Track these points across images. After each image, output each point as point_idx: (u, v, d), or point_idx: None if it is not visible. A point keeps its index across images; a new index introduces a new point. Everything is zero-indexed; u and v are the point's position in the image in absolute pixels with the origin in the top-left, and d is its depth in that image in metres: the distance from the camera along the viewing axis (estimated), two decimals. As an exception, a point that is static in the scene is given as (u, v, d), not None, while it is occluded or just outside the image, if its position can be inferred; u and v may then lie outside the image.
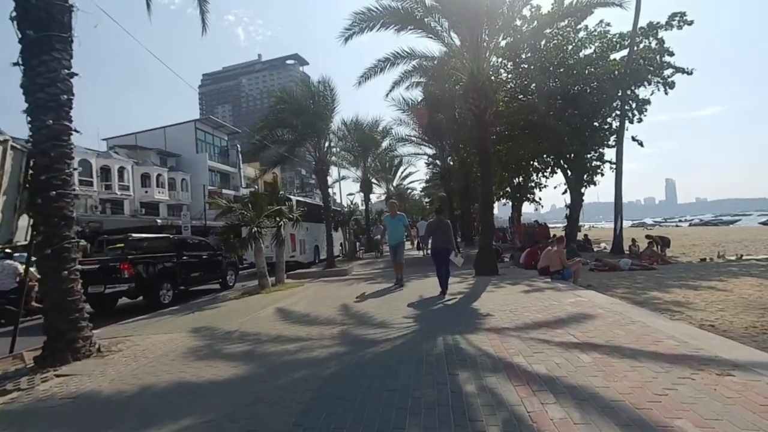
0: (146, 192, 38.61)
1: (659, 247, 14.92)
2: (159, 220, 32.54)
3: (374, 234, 21.17)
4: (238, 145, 50.56)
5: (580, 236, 21.59)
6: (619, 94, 16.54)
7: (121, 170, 36.13)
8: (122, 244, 16.86)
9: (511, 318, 4.85)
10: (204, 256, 11.08)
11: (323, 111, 14.46)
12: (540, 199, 29.92)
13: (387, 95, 14.52)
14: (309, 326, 5.20)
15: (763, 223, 51.36)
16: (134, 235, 18.17)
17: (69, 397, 3.21)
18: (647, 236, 15.30)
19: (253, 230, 8.70)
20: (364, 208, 28.19)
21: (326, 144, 15.65)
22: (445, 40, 10.29)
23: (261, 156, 19.08)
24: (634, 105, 16.82)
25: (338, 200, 40.22)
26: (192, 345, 4.65)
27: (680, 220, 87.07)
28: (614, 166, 16.87)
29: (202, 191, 37.57)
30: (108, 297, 8.74)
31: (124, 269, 8.54)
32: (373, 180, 32.58)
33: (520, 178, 27.14)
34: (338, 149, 18.78)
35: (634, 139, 16.25)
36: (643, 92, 17.11)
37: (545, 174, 23.53)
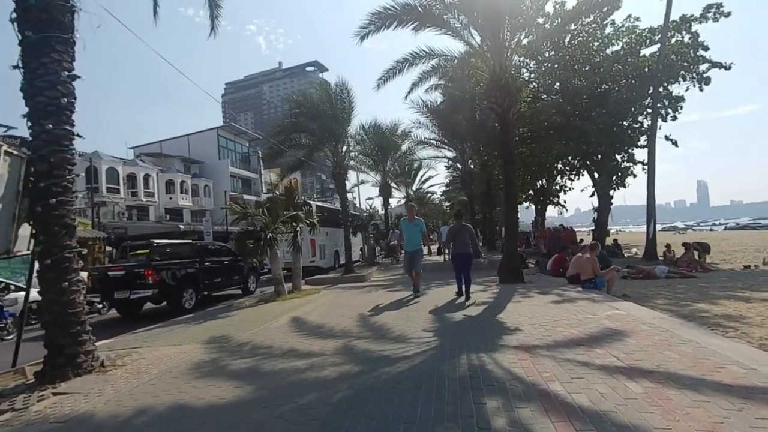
0: (170, 198, 39.50)
1: (697, 253, 13.95)
2: (182, 226, 33.16)
3: (390, 239, 20.79)
4: (259, 152, 51.33)
5: (608, 241, 20.61)
6: (650, 91, 15.69)
7: (146, 177, 37.10)
8: (146, 250, 17.08)
9: (542, 334, 4.39)
10: (225, 262, 11.06)
11: (341, 115, 14.25)
12: (565, 202, 28.77)
13: (406, 97, 14.23)
14: (322, 339, 4.87)
15: (809, 227, 48.14)
16: (157, 241, 18.39)
17: (60, 421, 2.98)
18: (684, 244, 14.34)
19: (269, 236, 8.49)
20: (383, 212, 27.89)
21: (344, 148, 15.43)
22: (464, 37, 9.89)
23: (279, 161, 19.07)
24: (667, 103, 15.91)
25: (358, 205, 40.16)
26: (198, 359, 4.40)
27: (714, 224, 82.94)
28: (646, 166, 16.01)
29: (224, 197, 38.20)
30: (133, 302, 8.95)
31: (148, 275, 8.64)
32: (393, 184, 32.27)
33: (544, 181, 26.26)
34: (356, 153, 18.54)
35: (667, 138, 15.34)
36: (676, 89, 16.20)
37: (570, 176, 22.64)
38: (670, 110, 15.38)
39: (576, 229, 25.91)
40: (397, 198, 36.13)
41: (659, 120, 15.47)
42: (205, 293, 10.30)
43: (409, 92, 13.71)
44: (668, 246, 15.70)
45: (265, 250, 8.66)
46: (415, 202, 42.62)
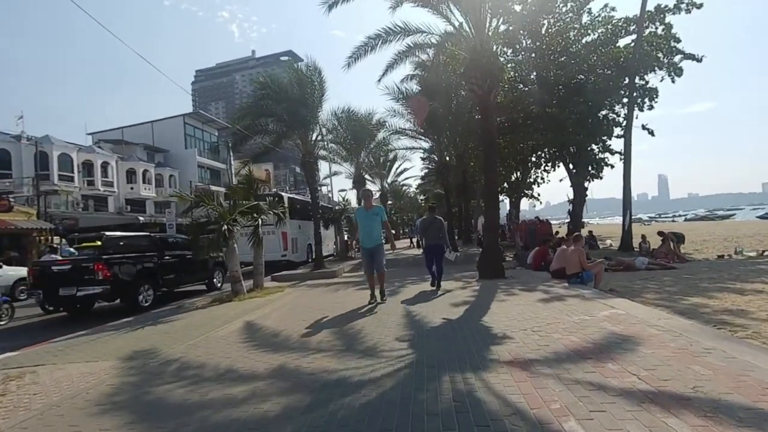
0: (132, 188, 37.12)
1: (673, 243, 13.85)
2: (141, 218, 31.10)
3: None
4: (229, 141, 49.16)
5: (584, 233, 20.54)
6: (625, 81, 15.44)
7: (105, 165, 34.59)
8: (98, 242, 15.49)
9: (537, 342, 3.67)
10: (188, 256, 10.03)
11: (310, 98, 13.18)
12: (539, 195, 28.72)
13: (380, 80, 13.29)
14: (272, 353, 3.98)
15: (761, 217, 50.69)
16: (110, 233, 16.77)
17: None
18: (659, 233, 14.21)
19: (224, 228, 7.44)
20: (357, 205, 27.03)
21: (314, 136, 14.38)
22: (444, 12, 9.09)
23: (245, 148, 17.83)
24: (642, 93, 15.71)
25: (333, 198, 39.00)
26: (107, 385, 3.42)
27: (675, 215, 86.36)
28: (623, 156, 15.77)
29: (190, 188, 36.21)
30: (81, 300, 7.99)
31: (99, 270, 7.76)
32: (367, 176, 31.36)
33: (518, 174, 26.04)
34: (328, 142, 17.51)
35: (644, 127, 15.16)
36: (651, 80, 16.04)
37: (546, 168, 22.39)
38: (647, 100, 15.16)
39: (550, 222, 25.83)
40: (372, 190, 35.33)
41: (635, 110, 15.25)
42: (165, 289, 9.49)
43: (384, 74, 12.80)
44: (643, 237, 15.61)
45: (221, 244, 7.63)
46: (390, 195, 41.98)
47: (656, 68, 15.88)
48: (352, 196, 28.92)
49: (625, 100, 16.11)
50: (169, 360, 4.00)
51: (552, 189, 25.79)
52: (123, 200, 36.42)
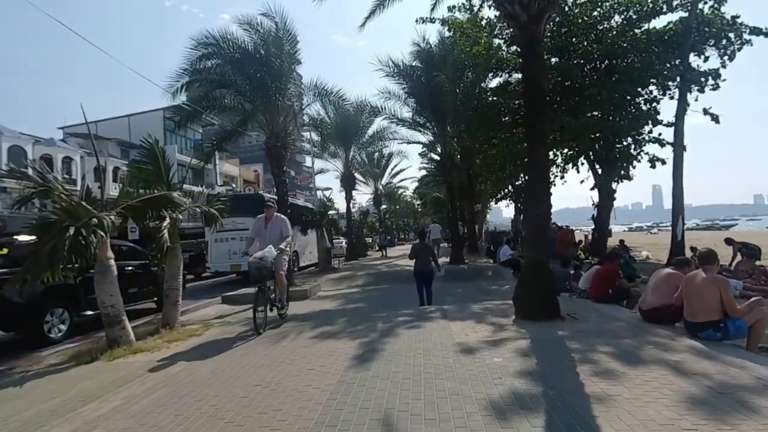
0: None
1: (744, 257, 10.65)
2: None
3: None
4: (214, 140, 45.81)
5: (611, 243, 17.38)
6: (677, 62, 12.36)
7: (67, 161, 31.14)
8: (4, 250, 11.86)
9: None
10: (129, 268, 7.87)
11: (275, 63, 9.94)
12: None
13: (363, 25, 10.09)
14: None
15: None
16: (25, 237, 13.22)
17: None
18: (727, 240, 11.01)
19: (71, 234, 4.14)
20: (346, 208, 23.74)
21: (283, 117, 11.07)
22: None
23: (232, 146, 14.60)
24: (699, 73, 12.56)
25: (321, 199, 35.69)
26: None
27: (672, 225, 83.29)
28: (664, 150, 12.67)
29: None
30: None
31: None
32: (358, 176, 28.10)
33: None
34: (300, 126, 14.27)
35: (706, 112, 11.99)
36: (696, 63, 12.95)
37: (566, 168, 19.11)
38: (710, 78, 11.94)
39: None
40: (364, 192, 31.99)
41: (695, 92, 12.12)
42: (90, 313, 6.88)
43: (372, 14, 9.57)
44: (694, 249, 12.43)
45: (74, 258, 4.34)
46: (384, 198, 38.64)
47: (709, 47, 12.74)
48: (341, 199, 25.66)
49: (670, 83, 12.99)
50: None
51: (562, 193, 22.71)
52: (89, 200, 32.89)
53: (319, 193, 25.14)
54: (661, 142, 12.24)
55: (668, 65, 12.69)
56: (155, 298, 8.95)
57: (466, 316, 5.48)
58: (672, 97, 12.73)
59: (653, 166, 12.21)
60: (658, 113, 12.96)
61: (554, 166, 20.34)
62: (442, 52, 14.13)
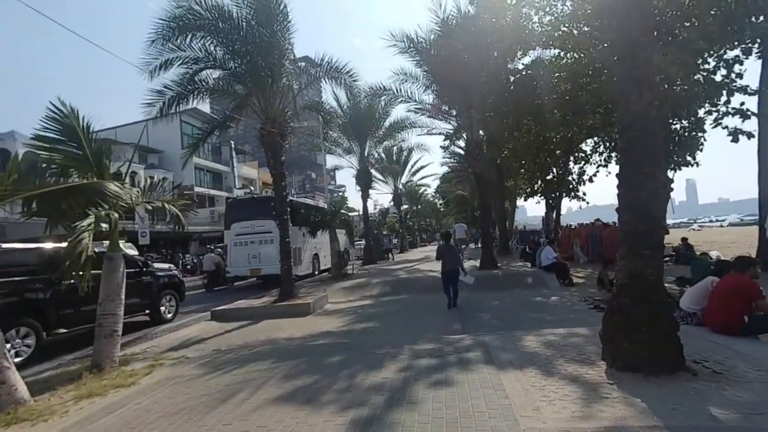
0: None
1: None
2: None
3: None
4: (232, 142, 45.28)
5: (668, 240, 14.94)
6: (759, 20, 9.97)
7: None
8: None
9: None
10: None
11: (265, 32, 8.28)
12: (584, 194, 22.34)
13: None
14: None
15: None
16: (5, 245, 12.07)
17: None
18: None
19: None
20: (363, 207, 22.01)
21: (281, 97, 9.43)
22: None
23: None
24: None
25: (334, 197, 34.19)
26: None
27: (711, 220, 77.86)
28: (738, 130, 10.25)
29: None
30: None
31: None
32: (377, 174, 26.35)
33: (557, 170, 20.52)
34: (299, 110, 12.60)
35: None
36: None
37: (606, 159, 16.75)
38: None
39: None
40: (383, 191, 30.20)
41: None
42: (63, 330, 6.29)
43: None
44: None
45: None
46: (405, 198, 36.66)
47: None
48: (357, 197, 24.00)
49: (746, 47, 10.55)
50: None
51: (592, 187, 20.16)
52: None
53: (328, 189, 23.55)
54: (744, 114, 9.84)
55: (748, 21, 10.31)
56: (147, 311, 8.22)
57: (522, 358, 3.60)
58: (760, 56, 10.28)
59: (735, 140, 9.79)
60: (741, 77, 10.54)
61: (596, 154, 18.09)
62: (464, 22, 12.14)
